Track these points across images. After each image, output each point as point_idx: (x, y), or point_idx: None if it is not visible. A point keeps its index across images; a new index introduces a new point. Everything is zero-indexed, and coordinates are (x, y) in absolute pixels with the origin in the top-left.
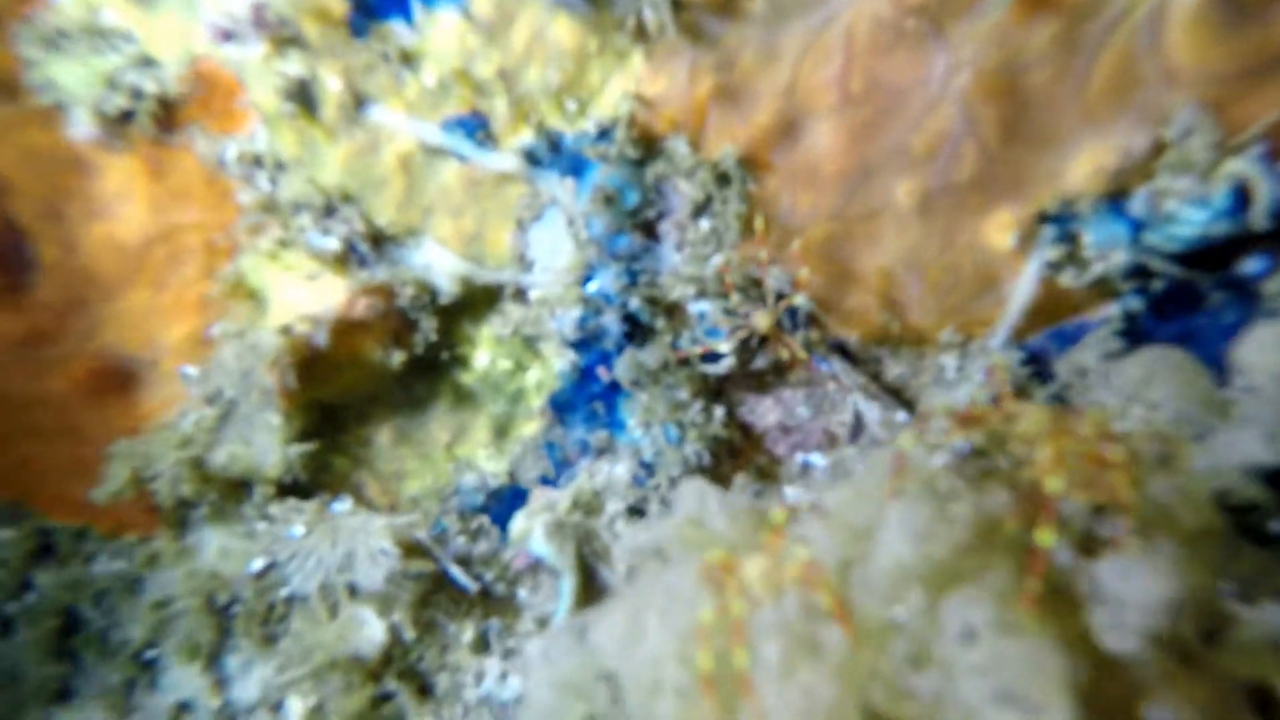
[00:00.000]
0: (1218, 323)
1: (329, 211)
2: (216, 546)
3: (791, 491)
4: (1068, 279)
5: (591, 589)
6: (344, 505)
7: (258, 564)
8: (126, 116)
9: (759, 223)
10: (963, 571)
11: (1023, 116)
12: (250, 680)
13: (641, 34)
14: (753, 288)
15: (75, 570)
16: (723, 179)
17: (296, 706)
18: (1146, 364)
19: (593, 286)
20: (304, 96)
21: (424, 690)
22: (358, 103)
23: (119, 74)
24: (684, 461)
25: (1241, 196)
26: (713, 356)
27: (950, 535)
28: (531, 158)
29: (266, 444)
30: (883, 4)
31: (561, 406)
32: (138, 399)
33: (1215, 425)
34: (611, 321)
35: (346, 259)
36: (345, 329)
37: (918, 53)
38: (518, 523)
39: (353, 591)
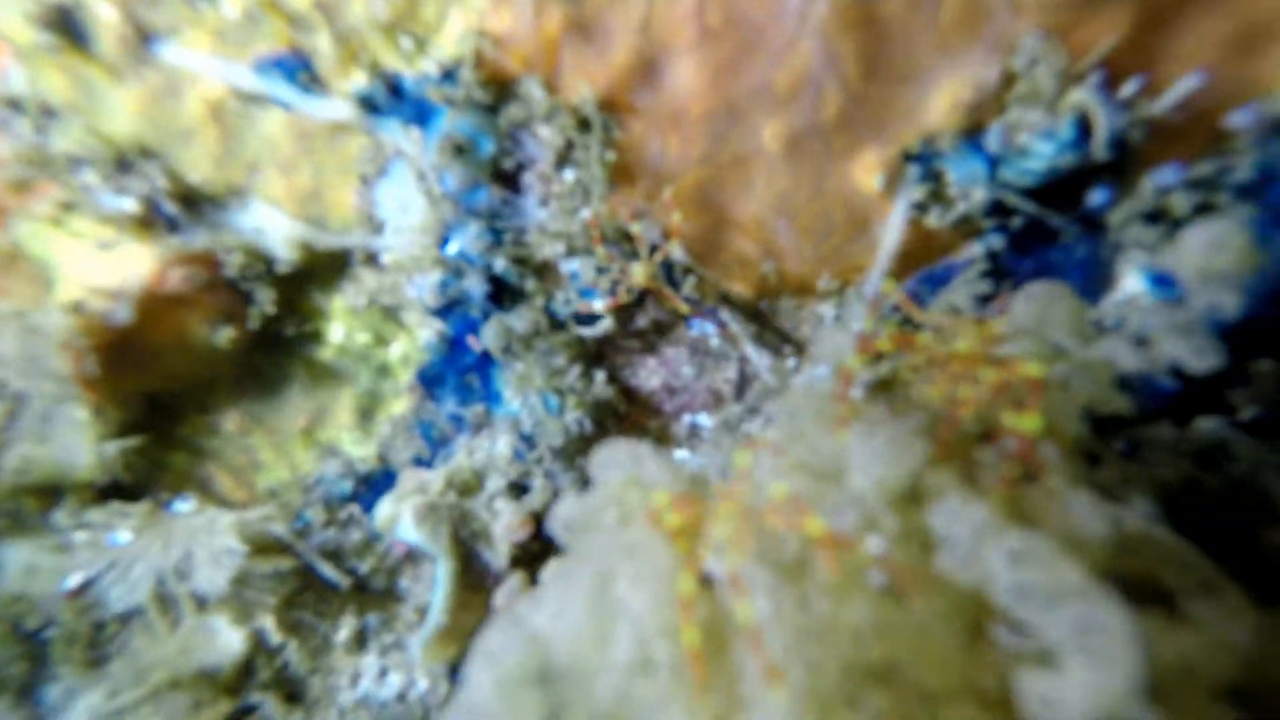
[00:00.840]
0: (1071, 257)
1: (123, 167)
2: (21, 563)
3: (681, 454)
4: (934, 219)
5: (472, 572)
6: (187, 505)
7: (74, 579)
8: None
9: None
10: (925, 489)
11: (881, 50)
12: (75, 712)
13: None
14: (625, 241)
15: None
16: (584, 124)
17: None
18: (1036, 298)
19: (452, 247)
20: (69, 27)
21: (293, 698)
22: (144, 37)
23: None
24: (565, 431)
25: (1084, 127)
26: (589, 318)
27: (917, 451)
28: (368, 104)
29: (72, 443)
30: None
31: (431, 381)
32: None
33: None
34: (475, 285)
35: (150, 222)
36: (158, 304)
37: None
38: (383, 508)
39: (200, 601)
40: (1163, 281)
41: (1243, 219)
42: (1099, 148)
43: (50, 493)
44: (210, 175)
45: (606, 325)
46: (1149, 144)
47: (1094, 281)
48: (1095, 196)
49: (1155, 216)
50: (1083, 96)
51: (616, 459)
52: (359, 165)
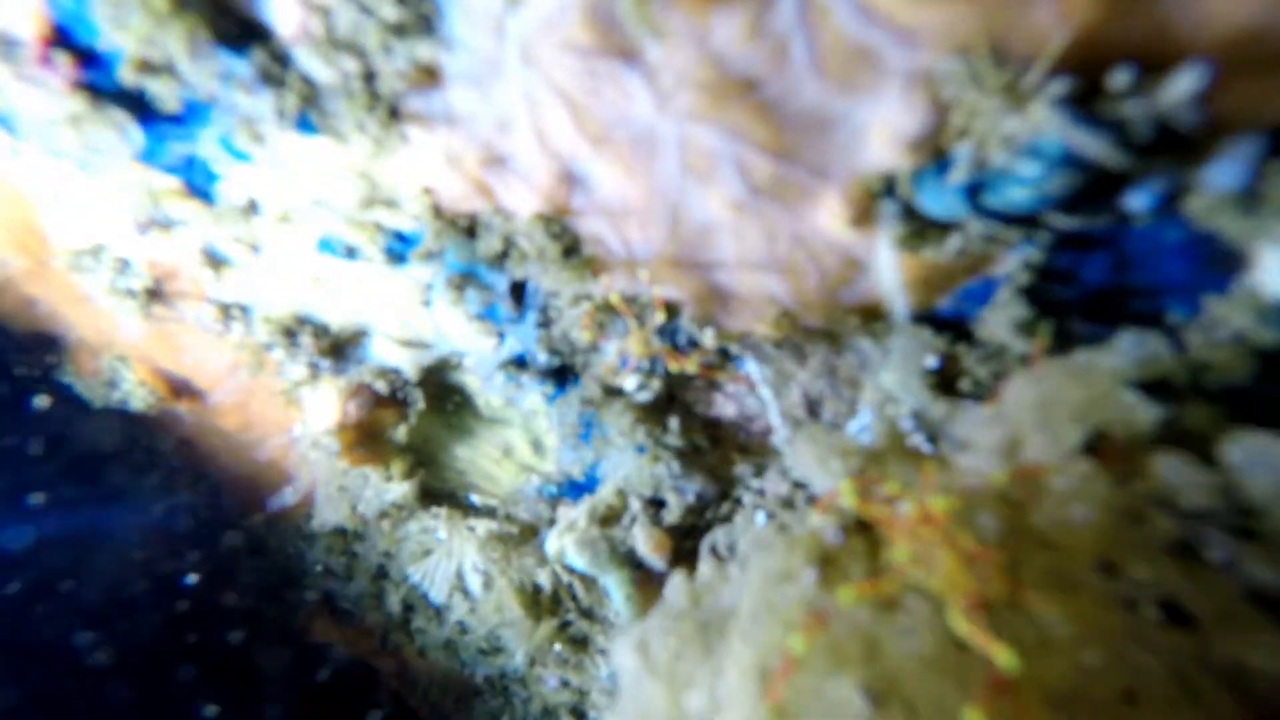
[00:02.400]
0: (1159, 242)
1: (289, 335)
2: None
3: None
4: (931, 254)
5: (642, 578)
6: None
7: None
8: None
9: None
10: None
11: (776, 109)
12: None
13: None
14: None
15: None
16: (543, 235)
17: None
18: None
19: (503, 351)
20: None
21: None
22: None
23: None
24: (656, 480)
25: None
26: (639, 384)
27: None
28: (392, 257)
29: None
30: (564, 56)
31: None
32: None
33: None
34: (532, 380)
35: (316, 376)
36: (350, 431)
37: (624, 87)
38: (550, 545)
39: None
40: None
41: None
42: (1107, 158)
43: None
44: (339, 323)
45: (649, 393)
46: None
47: (1211, 265)
48: (1135, 200)
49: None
50: (1043, 113)
51: None
52: (415, 298)
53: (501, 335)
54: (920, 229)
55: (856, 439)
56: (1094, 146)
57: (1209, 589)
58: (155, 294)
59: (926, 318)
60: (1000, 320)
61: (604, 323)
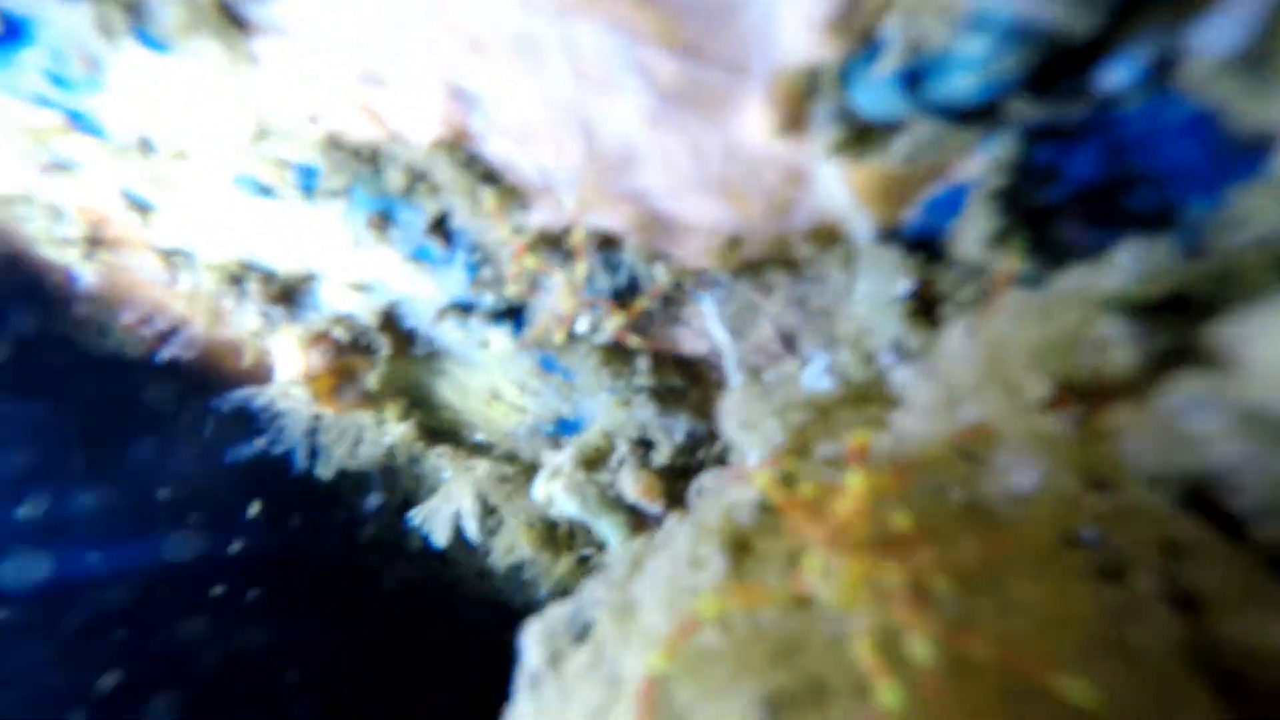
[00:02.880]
0: (1164, 120)
1: (235, 281)
2: None
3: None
4: (878, 161)
5: (644, 524)
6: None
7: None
8: None
9: (489, 201)
10: None
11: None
12: None
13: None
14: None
15: None
16: (448, 164)
17: None
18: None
19: (443, 296)
20: None
21: None
22: None
23: None
24: (637, 422)
25: None
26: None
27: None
28: (306, 194)
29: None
30: None
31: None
32: None
33: None
34: (482, 322)
35: (271, 326)
36: (318, 379)
37: None
38: (537, 491)
39: None
40: None
41: None
42: (1067, 22)
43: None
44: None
45: (606, 333)
46: None
47: (1230, 147)
48: (1113, 75)
49: None
50: None
51: None
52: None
53: (438, 277)
54: (859, 132)
55: (812, 388)
56: (1050, 8)
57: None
58: (96, 242)
59: (893, 236)
60: (972, 234)
61: (537, 265)
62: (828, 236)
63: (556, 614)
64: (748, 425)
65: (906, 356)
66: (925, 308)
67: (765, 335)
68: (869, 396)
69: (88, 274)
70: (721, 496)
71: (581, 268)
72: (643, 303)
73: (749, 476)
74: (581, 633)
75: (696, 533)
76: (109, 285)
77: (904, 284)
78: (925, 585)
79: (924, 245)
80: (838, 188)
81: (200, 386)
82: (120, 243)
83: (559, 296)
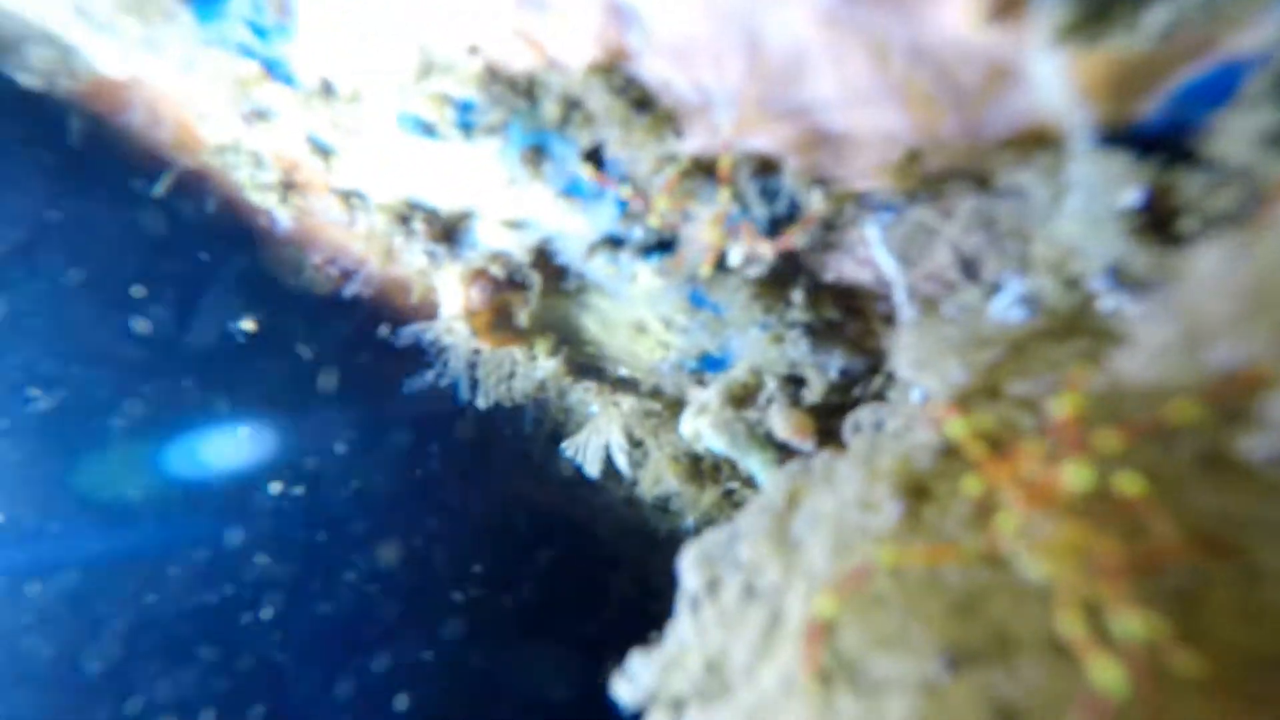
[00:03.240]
0: None
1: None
2: None
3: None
4: (1122, 42)
5: (789, 455)
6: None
7: None
8: None
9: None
10: None
11: None
12: None
13: None
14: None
15: None
16: (603, 90)
17: None
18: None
19: (594, 231)
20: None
21: None
22: None
23: None
24: (789, 360)
25: None
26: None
27: None
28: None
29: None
30: None
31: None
32: None
33: None
34: (632, 256)
35: (436, 265)
36: (479, 317)
37: None
38: (685, 427)
39: None
40: None
41: None
42: None
43: None
44: (446, 208)
45: (762, 264)
46: None
47: None
48: None
49: None
50: None
51: None
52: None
53: (589, 212)
54: (1097, 8)
55: (1002, 319)
56: None
57: None
58: (290, 186)
59: (1124, 137)
60: (1242, 128)
61: (691, 192)
62: (1032, 143)
63: (712, 540)
64: (923, 363)
65: (1129, 282)
66: (1159, 223)
67: (942, 261)
68: (1076, 329)
69: (284, 217)
70: (899, 438)
71: (725, 194)
72: (795, 232)
73: (937, 420)
74: (738, 563)
75: (868, 474)
76: (300, 228)
77: (1133, 193)
78: (1152, 561)
79: (1165, 145)
80: (1056, 83)
81: (377, 321)
82: (308, 186)
83: (705, 227)
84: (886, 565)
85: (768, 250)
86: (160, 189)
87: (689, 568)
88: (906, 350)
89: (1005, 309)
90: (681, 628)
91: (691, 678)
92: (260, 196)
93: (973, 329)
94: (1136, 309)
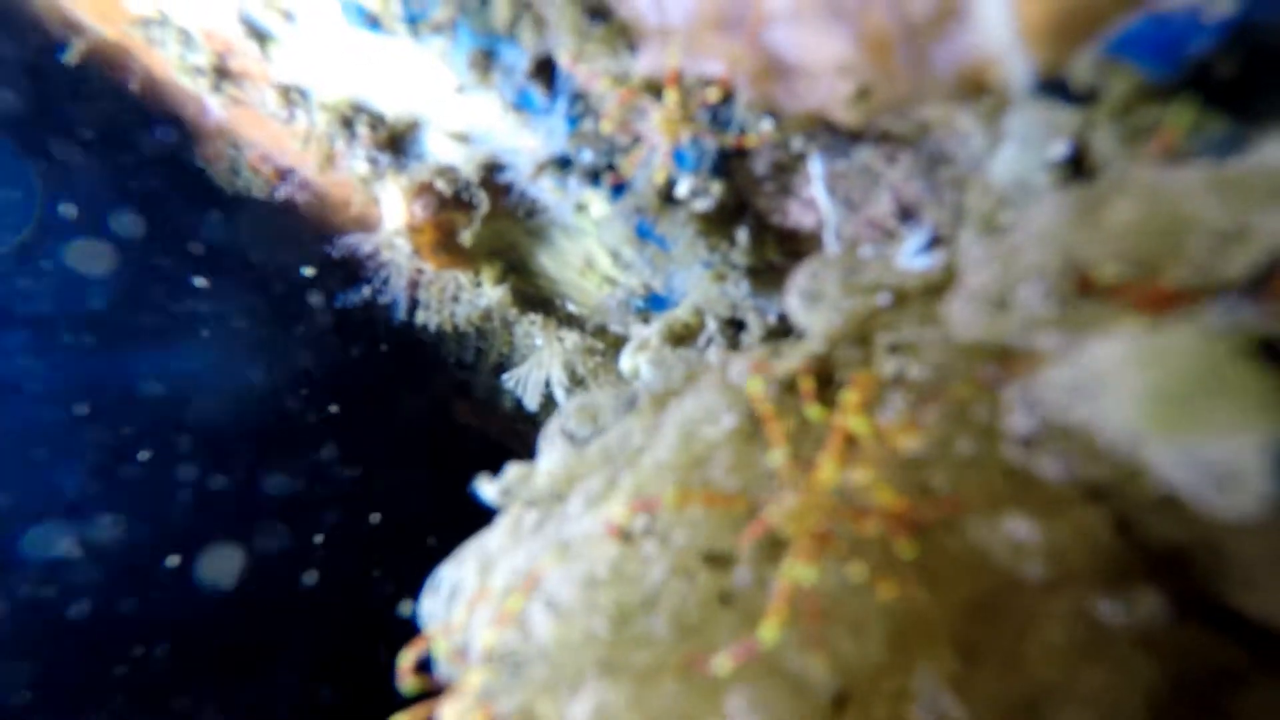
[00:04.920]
0: None
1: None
2: None
3: None
4: None
5: None
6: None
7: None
8: None
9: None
10: None
11: None
12: None
13: None
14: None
15: None
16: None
17: None
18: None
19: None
20: None
21: None
22: None
23: None
24: (729, 299)
25: None
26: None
27: None
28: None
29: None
30: None
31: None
32: None
33: None
34: (580, 181)
35: (379, 174)
36: (420, 231)
37: None
38: (624, 362)
39: None
40: None
41: None
42: None
43: None
44: (393, 112)
45: (710, 198)
46: None
47: None
48: None
49: None
50: None
51: None
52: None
53: (538, 128)
54: None
55: (907, 267)
56: None
57: None
58: (223, 73)
59: (1058, 85)
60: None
61: (635, 109)
62: (975, 86)
63: (603, 397)
64: (812, 297)
65: None
66: (1083, 175)
67: (883, 209)
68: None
69: (216, 106)
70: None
71: (673, 96)
72: (750, 139)
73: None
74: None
75: (722, 388)
76: (235, 119)
77: (1059, 146)
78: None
79: (1097, 97)
80: (999, 19)
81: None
82: (243, 74)
83: (655, 124)
84: (671, 506)
85: (742, 142)
86: (70, 56)
87: (571, 411)
88: (798, 286)
89: (912, 255)
90: (548, 454)
91: (537, 492)
92: (191, 81)
93: (875, 273)
94: (976, 251)
